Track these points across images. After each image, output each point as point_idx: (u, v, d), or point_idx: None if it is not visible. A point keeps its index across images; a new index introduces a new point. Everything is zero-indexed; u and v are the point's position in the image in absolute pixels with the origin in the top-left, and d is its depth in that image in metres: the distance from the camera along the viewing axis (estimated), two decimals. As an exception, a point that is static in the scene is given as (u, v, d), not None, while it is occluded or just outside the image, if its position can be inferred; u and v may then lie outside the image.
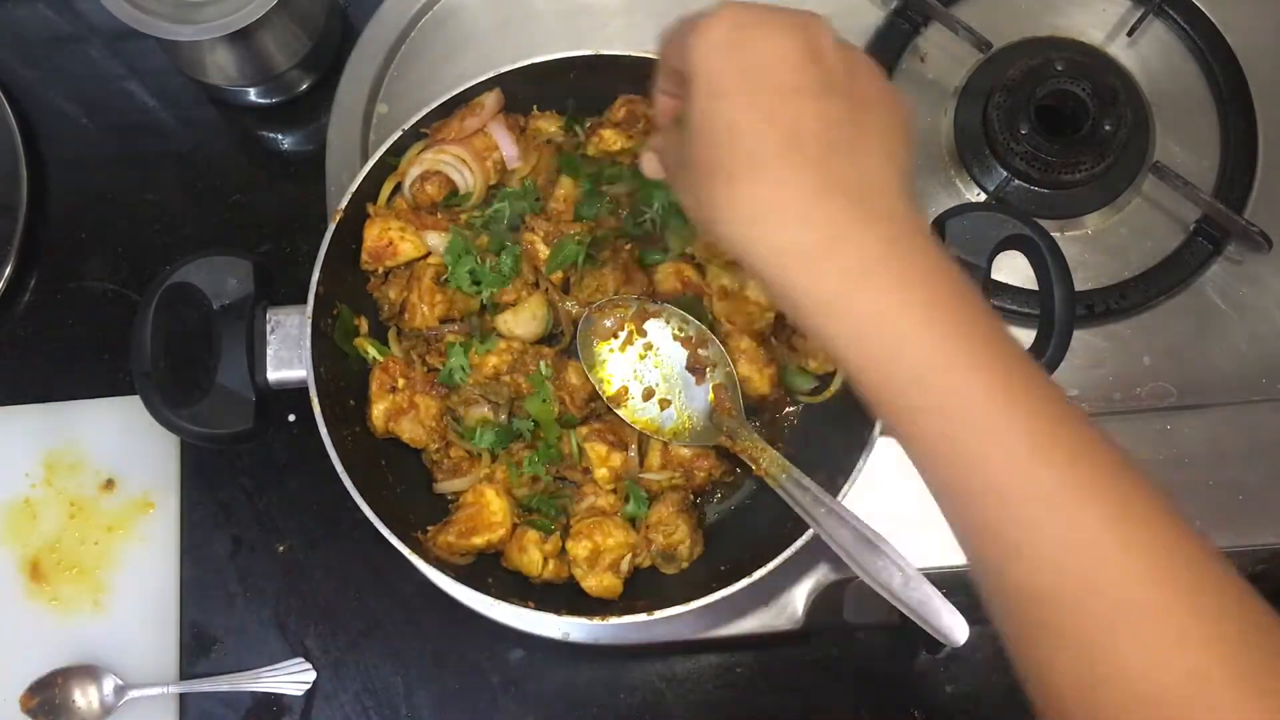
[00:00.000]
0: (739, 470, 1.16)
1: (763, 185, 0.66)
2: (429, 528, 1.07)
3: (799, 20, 0.68)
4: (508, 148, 1.13)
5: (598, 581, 1.06)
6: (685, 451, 1.10)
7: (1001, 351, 0.66)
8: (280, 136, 1.39)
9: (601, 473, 1.09)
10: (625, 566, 1.07)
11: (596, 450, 1.09)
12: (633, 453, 1.10)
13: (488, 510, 1.07)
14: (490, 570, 1.08)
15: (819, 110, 0.66)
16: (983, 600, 0.69)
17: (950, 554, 1.14)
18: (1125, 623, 0.62)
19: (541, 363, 1.09)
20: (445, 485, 1.11)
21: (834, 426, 1.11)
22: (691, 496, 1.12)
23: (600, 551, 1.06)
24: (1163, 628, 0.62)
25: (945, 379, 0.65)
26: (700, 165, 0.69)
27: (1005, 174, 1.27)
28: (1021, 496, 0.64)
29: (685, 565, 1.09)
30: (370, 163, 1.10)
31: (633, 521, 1.09)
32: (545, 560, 1.07)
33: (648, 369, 1.09)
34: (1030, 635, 0.66)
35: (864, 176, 0.67)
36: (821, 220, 0.66)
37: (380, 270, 1.12)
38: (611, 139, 1.14)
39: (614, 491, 1.10)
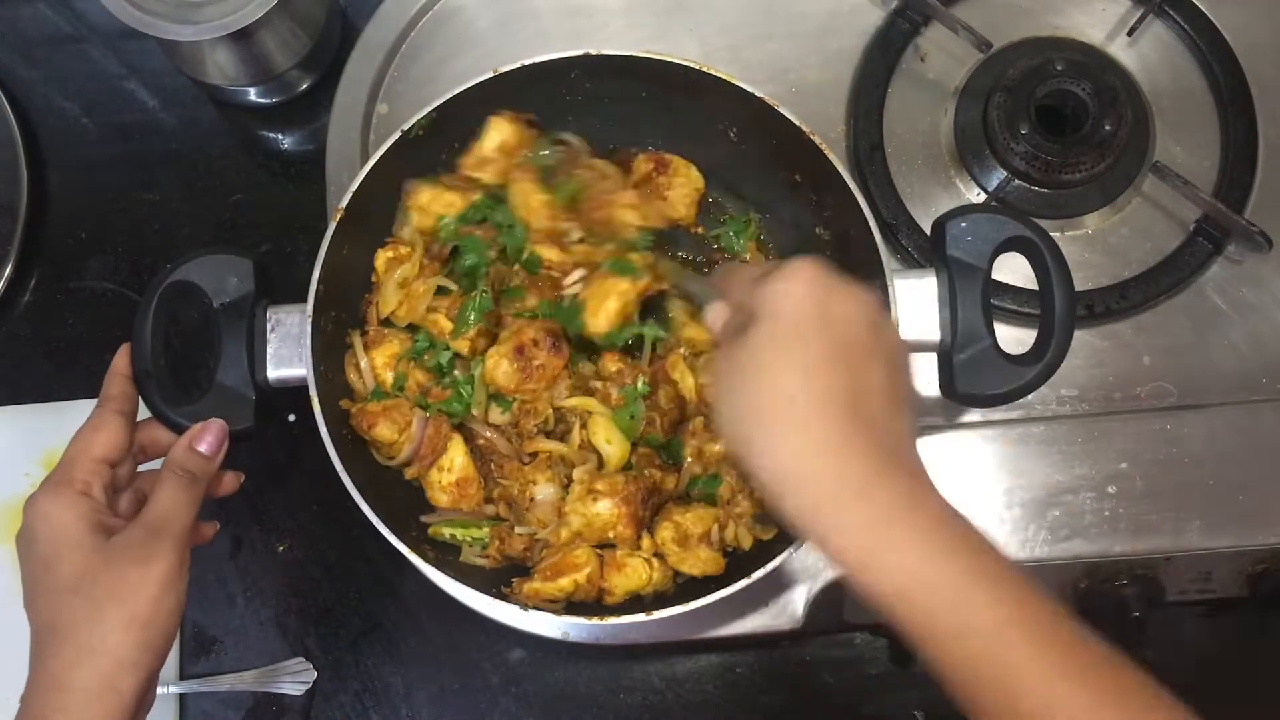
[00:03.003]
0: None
1: (811, 435, 0.74)
2: (513, 580, 1.04)
3: (865, 294, 0.79)
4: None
5: (696, 559, 1.03)
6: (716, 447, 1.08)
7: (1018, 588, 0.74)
8: (280, 136, 1.39)
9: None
10: (715, 537, 1.05)
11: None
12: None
13: (571, 557, 1.03)
14: (490, 570, 1.08)
15: (877, 373, 0.77)
16: None
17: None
18: None
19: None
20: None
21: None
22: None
23: (685, 531, 1.04)
24: None
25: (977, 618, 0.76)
26: (753, 405, 0.76)
27: (1005, 174, 1.27)
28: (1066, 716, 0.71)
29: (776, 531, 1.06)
30: (370, 163, 1.10)
31: (710, 500, 1.07)
32: (649, 565, 1.03)
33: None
34: None
35: (898, 437, 0.77)
36: (859, 469, 0.74)
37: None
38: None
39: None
